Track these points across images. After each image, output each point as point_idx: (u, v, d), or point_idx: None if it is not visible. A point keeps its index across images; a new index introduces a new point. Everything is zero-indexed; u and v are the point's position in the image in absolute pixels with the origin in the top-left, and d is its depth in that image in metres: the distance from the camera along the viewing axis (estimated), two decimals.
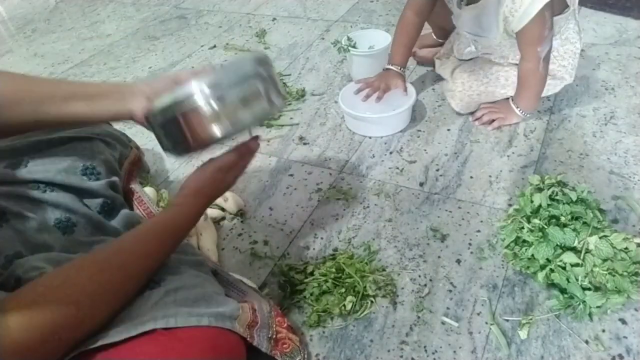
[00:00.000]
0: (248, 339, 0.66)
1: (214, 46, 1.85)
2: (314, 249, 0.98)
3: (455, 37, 1.33)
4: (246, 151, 0.77)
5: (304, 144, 1.28)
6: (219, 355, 0.59)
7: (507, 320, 0.81)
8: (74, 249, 0.74)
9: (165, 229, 0.69)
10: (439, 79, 1.41)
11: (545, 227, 0.80)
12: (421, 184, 1.10)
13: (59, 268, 0.59)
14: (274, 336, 0.73)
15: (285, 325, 0.78)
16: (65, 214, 0.79)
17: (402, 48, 1.29)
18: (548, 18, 1.05)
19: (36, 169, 0.81)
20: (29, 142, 0.85)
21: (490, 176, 1.10)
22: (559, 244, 0.79)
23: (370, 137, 1.26)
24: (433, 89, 1.41)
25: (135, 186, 1.02)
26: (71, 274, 0.58)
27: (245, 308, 0.71)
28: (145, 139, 1.14)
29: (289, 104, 1.43)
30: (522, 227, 0.83)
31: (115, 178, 0.91)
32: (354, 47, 1.43)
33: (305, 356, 0.77)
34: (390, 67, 1.29)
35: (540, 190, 0.86)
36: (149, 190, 1.07)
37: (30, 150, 0.84)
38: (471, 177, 1.10)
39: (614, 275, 0.76)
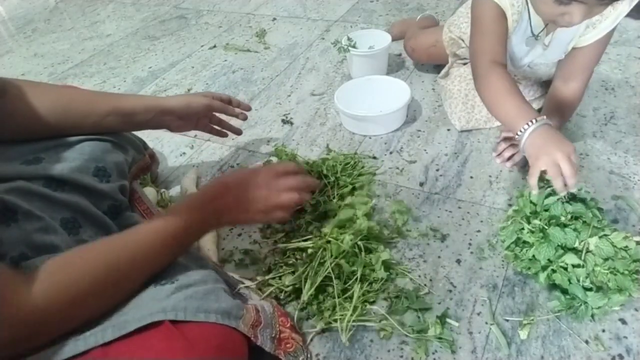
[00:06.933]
0: (252, 338, 0.66)
1: (214, 46, 1.85)
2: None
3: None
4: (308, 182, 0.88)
5: (305, 144, 1.27)
6: (222, 354, 0.59)
7: (507, 320, 0.81)
8: None
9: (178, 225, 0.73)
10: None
11: (546, 227, 0.80)
12: (421, 184, 1.10)
13: (78, 247, 0.65)
14: (277, 336, 0.73)
15: (289, 324, 0.78)
16: (72, 214, 0.79)
17: (520, 99, 0.94)
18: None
19: (51, 166, 0.81)
20: (45, 140, 0.86)
21: (490, 176, 1.10)
22: (560, 244, 0.79)
23: (370, 137, 1.26)
24: (433, 89, 1.41)
25: (135, 186, 1.02)
26: (86, 252, 0.64)
27: (249, 309, 0.71)
28: (145, 139, 1.14)
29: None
30: (522, 228, 0.83)
31: (125, 182, 0.92)
32: (354, 47, 1.43)
33: (308, 355, 0.77)
34: (537, 124, 0.86)
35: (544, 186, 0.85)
36: (148, 190, 1.07)
37: (45, 148, 0.85)
38: (471, 177, 1.10)
39: (615, 274, 0.76)
